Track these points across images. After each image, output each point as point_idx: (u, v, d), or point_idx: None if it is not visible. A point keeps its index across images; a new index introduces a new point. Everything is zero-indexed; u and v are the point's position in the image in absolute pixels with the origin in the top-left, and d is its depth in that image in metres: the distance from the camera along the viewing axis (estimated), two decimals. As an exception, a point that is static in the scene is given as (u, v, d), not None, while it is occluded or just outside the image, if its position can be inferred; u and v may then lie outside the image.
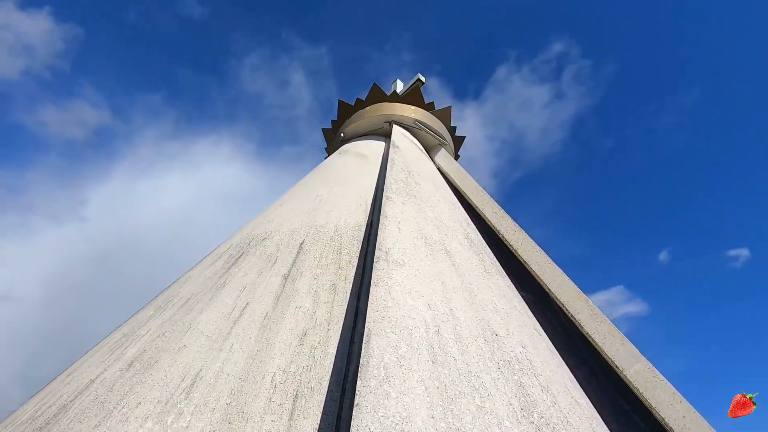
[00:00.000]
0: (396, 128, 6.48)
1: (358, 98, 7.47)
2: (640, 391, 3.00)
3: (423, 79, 8.44)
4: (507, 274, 4.14)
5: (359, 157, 5.97)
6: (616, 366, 3.19)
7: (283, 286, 3.04)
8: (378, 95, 7.37)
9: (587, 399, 2.68)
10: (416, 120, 6.80)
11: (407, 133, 6.57)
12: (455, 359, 1.94)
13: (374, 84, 7.39)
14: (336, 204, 4.37)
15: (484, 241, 4.16)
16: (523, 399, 1.91)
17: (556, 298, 3.83)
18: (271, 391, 2.22)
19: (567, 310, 3.67)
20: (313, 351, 2.51)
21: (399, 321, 2.06)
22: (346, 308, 2.90)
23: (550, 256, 4.20)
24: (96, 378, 2.42)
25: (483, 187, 5.56)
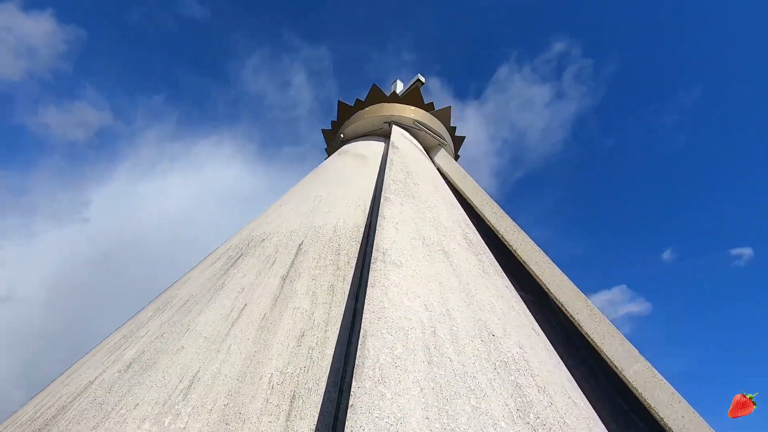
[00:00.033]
0: (395, 129, 6.48)
1: (357, 99, 7.48)
2: (639, 391, 3.00)
3: (423, 79, 8.44)
4: (507, 274, 4.14)
5: (358, 158, 5.98)
6: (615, 366, 3.19)
7: (282, 287, 3.05)
8: (377, 96, 7.37)
9: (585, 399, 2.67)
10: (416, 120, 6.81)
11: (406, 134, 6.58)
12: (451, 360, 1.94)
13: (373, 84, 7.41)
14: (335, 205, 4.38)
15: (483, 242, 4.15)
16: (519, 399, 1.91)
17: (555, 298, 3.82)
18: (269, 392, 2.22)
19: (566, 310, 3.67)
20: (310, 352, 2.51)
21: (395, 322, 2.07)
22: (344, 309, 2.90)
23: (550, 256, 4.20)
24: (95, 379, 2.44)
25: (484, 187, 5.57)
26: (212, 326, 2.68)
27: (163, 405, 2.10)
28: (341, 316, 2.84)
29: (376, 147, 6.44)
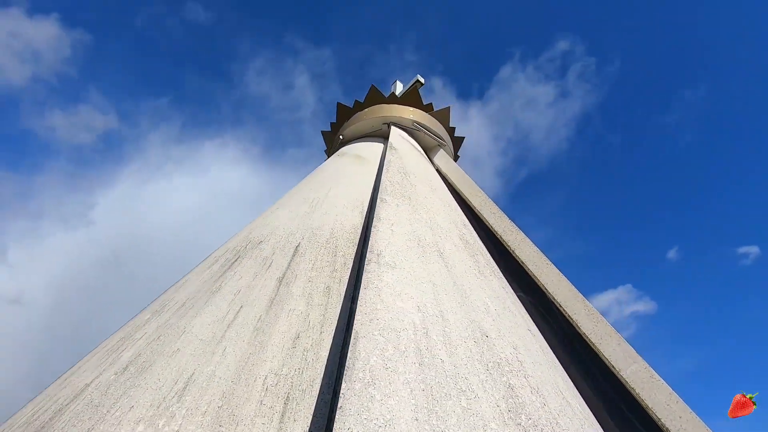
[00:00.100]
0: (394, 130, 6.49)
1: (356, 100, 7.50)
2: (637, 391, 2.98)
3: (422, 80, 8.44)
4: (506, 274, 4.14)
5: (357, 159, 5.99)
6: (613, 366, 3.18)
7: (278, 289, 3.06)
8: (376, 97, 7.39)
9: (581, 400, 2.67)
10: (414, 121, 6.81)
11: (405, 135, 6.58)
12: (443, 361, 1.95)
13: (372, 86, 7.42)
14: (333, 206, 4.39)
15: (480, 242, 4.15)
16: (511, 401, 1.91)
17: (553, 299, 3.81)
18: (263, 393, 2.23)
19: (564, 310, 3.66)
20: (305, 354, 2.52)
21: (387, 323, 2.07)
22: (339, 311, 2.91)
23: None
24: (91, 382, 2.46)
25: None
26: (208, 328, 2.70)
27: (158, 407, 2.12)
28: (337, 318, 2.84)
29: (375, 148, 6.46)
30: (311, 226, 3.96)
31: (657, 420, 2.86)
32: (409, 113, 6.95)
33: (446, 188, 5.48)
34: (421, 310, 2.27)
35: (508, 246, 4.48)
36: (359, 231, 3.98)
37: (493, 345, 2.27)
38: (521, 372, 2.18)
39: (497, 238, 4.85)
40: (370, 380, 1.69)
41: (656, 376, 3.00)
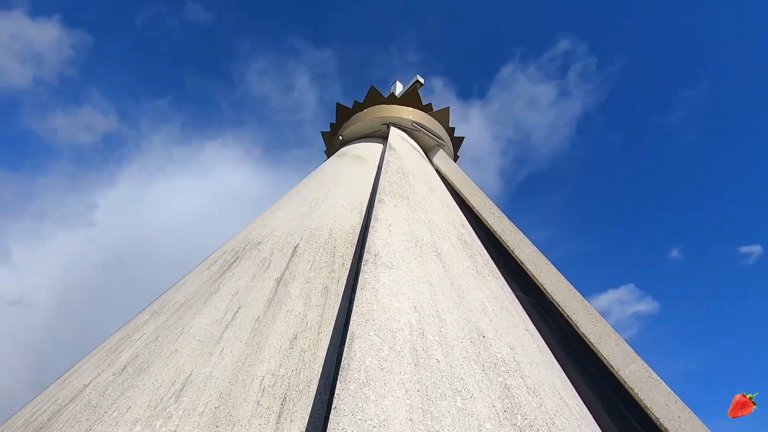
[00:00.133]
0: (393, 130, 6.49)
1: (355, 101, 7.51)
2: (635, 391, 2.97)
3: (422, 80, 8.44)
4: (505, 274, 4.13)
5: (356, 160, 6.00)
6: (612, 366, 3.17)
7: (276, 290, 3.06)
8: (375, 98, 7.39)
9: (579, 400, 2.66)
10: (414, 122, 6.81)
11: (405, 135, 6.58)
12: (438, 361, 1.95)
13: (371, 86, 7.43)
14: (332, 207, 4.40)
15: (479, 242, 4.15)
16: (507, 401, 1.91)
17: (552, 299, 3.81)
18: (260, 394, 2.24)
19: (562, 310, 3.65)
20: (302, 354, 2.52)
21: (383, 324, 2.07)
22: (337, 311, 2.91)
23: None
24: (90, 383, 2.46)
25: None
26: (206, 329, 2.70)
27: (155, 408, 2.12)
28: (334, 318, 2.85)
29: (374, 149, 6.46)
30: (310, 227, 3.96)
31: (655, 420, 2.85)
32: (409, 114, 6.95)
33: (445, 188, 5.48)
34: (417, 311, 2.27)
35: (507, 246, 4.48)
36: (358, 231, 3.98)
37: (490, 345, 2.26)
38: (518, 372, 2.18)
39: (496, 238, 4.85)
40: (365, 381, 1.70)
41: (655, 375, 3.00)
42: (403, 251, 2.85)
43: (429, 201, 4.09)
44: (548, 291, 3.85)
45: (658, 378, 2.99)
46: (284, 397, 2.24)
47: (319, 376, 2.39)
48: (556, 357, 3.21)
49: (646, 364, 3.08)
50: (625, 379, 3.05)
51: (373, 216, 3.27)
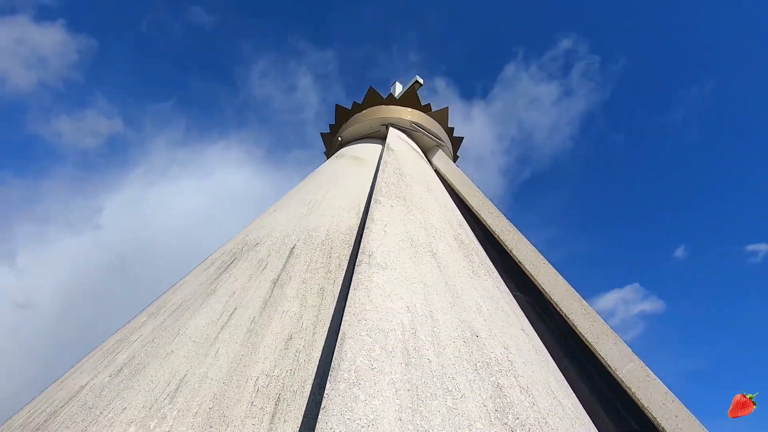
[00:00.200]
0: (392, 131, 6.50)
1: (354, 102, 7.53)
2: (633, 390, 2.96)
3: (421, 80, 8.44)
4: (504, 274, 4.13)
5: (355, 161, 6.01)
6: (609, 366, 3.16)
7: (272, 290, 3.08)
8: (374, 98, 7.40)
9: (575, 400, 2.65)
10: (412, 122, 6.82)
11: (403, 136, 6.59)
12: (430, 361, 1.95)
13: (370, 87, 7.44)
14: (330, 208, 4.41)
15: (476, 242, 4.15)
16: (498, 400, 1.91)
17: (550, 298, 3.80)
18: (254, 395, 2.24)
19: (560, 309, 3.64)
20: (297, 355, 2.53)
21: (375, 324, 2.08)
22: (332, 312, 2.92)
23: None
24: (86, 384, 2.48)
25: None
26: (202, 330, 2.72)
27: (150, 409, 2.14)
28: (330, 319, 2.85)
29: (373, 149, 6.46)
30: (307, 228, 3.97)
31: (653, 419, 2.84)
32: (407, 114, 6.95)
33: (444, 188, 5.48)
34: (410, 311, 2.27)
35: (506, 245, 4.47)
36: (355, 232, 3.99)
37: (483, 345, 2.26)
38: (511, 372, 2.17)
39: (495, 238, 4.84)
40: (355, 380, 1.70)
41: (652, 375, 2.98)
42: (397, 251, 2.85)
43: (426, 201, 4.10)
44: (546, 290, 3.84)
45: (656, 377, 2.98)
46: (278, 398, 2.24)
47: (313, 377, 2.40)
48: (554, 356, 3.20)
49: (643, 364, 3.06)
50: (623, 379, 3.04)
51: (368, 216, 3.28)
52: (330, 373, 1.72)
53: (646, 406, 2.87)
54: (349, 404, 1.58)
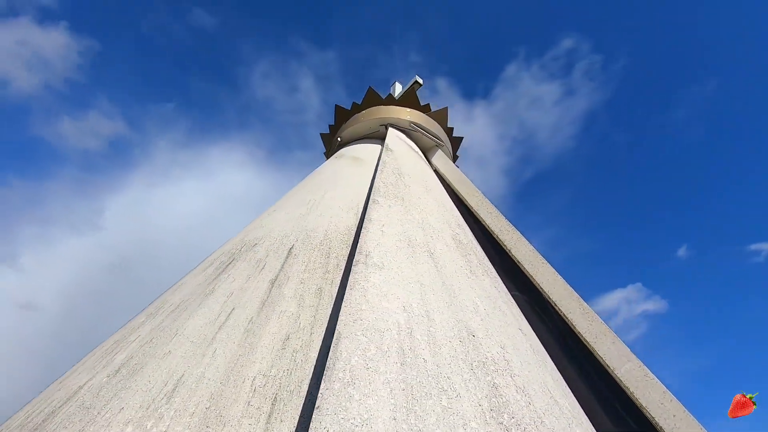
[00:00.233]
0: (391, 131, 6.50)
1: (353, 102, 7.53)
2: (631, 390, 2.96)
3: (420, 81, 8.45)
4: (503, 273, 4.12)
5: (354, 161, 6.01)
6: (607, 365, 3.15)
7: (270, 291, 3.08)
8: (373, 99, 7.41)
9: (572, 399, 2.65)
10: (412, 122, 6.82)
11: (402, 136, 6.59)
12: (425, 361, 1.95)
13: (369, 87, 7.45)
14: (328, 208, 4.41)
15: (475, 242, 4.15)
16: (494, 400, 1.91)
17: (549, 298, 3.80)
18: (251, 394, 2.25)
19: (558, 309, 3.64)
20: (294, 355, 2.54)
21: (371, 324, 2.08)
22: (330, 312, 2.92)
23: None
24: (84, 384, 2.49)
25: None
26: (200, 331, 2.73)
27: (147, 409, 2.14)
28: (327, 319, 2.86)
29: (372, 150, 6.47)
30: (306, 228, 3.98)
31: (651, 419, 2.83)
32: (406, 114, 6.96)
33: (443, 188, 5.48)
34: (406, 310, 2.27)
35: (504, 245, 4.47)
36: (354, 232, 3.99)
37: (480, 344, 2.26)
38: (507, 371, 2.17)
39: (494, 238, 4.84)
40: (349, 380, 1.70)
41: (650, 374, 2.98)
42: (394, 251, 2.85)
43: (424, 201, 4.10)
44: (544, 290, 3.84)
45: (654, 377, 2.97)
46: (275, 398, 2.25)
47: (310, 377, 2.40)
48: (553, 356, 3.20)
49: (641, 363, 3.06)
50: (621, 378, 3.03)
51: (366, 216, 3.29)
52: (324, 372, 1.73)
53: (644, 405, 2.87)
54: (344, 404, 1.59)
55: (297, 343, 2.62)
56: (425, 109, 7.40)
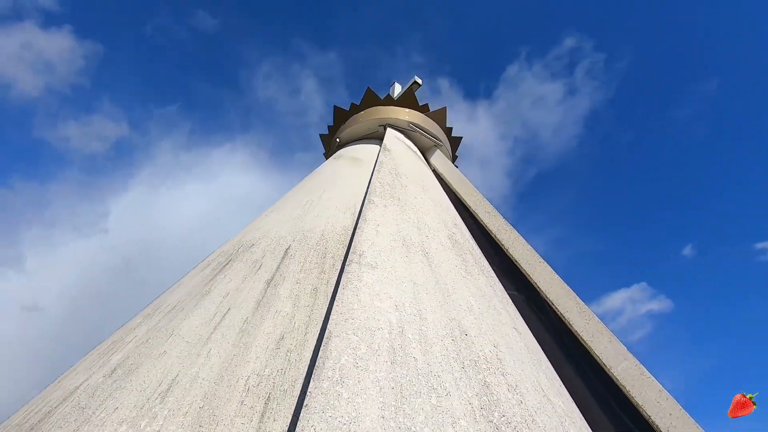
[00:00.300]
0: (389, 131, 6.51)
1: (352, 103, 7.55)
2: (627, 389, 2.95)
3: (419, 81, 8.46)
4: (501, 272, 4.12)
5: (353, 162, 6.02)
6: (604, 364, 3.14)
7: (265, 291, 3.10)
8: (372, 99, 7.43)
9: (567, 398, 2.65)
10: (410, 122, 6.83)
11: (401, 136, 6.60)
12: (416, 359, 1.95)
13: (368, 88, 7.46)
14: (325, 209, 4.42)
15: (472, 241, 4.15)
16: (485, 398, 1.91)
17: (546, 297, 3.79)
18: (244, 394, 2.26)
19: (556, 308, 3.63)
20: (288, 354, 2.55)
21: (362, 323, 2.09)
22: (325, 312, 2.93)
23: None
24: (80, 384, 2.52)
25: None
26: (195, 331, 2.74)
27: (141, 408, 2.16)
28: (322, 319, 2.87)
29: (371, 150, 6.48)
30: (303, 229, 3.99)
31: (647, 417, 2.82)
32: (405, 115, 6.97)
33: (441, 188, 5.49)
34: (398, 309, 2.28)
35: (502, 244, 4.47)
36: (350, 232, 4.00)
37: (472, 343, 2.26)
38: (499, 370, 2.17)
39: (492, 237, 4.84)
40: (338, 379, 1.71)
41: (647, 373, 2.97)
42: (389, 251, 2.86)
43: (421, 201, 4.10)
44: (541, 289, 3.83)
45: (650, 375, 2.96)
46: (268, 397, 2.26)
47: (304, 376, 2.41)
48: (550, 355, 3.19)
49: (638, 362, 3.05)
50: (617, 377, 3.02)
51: (361, 216, 3.29)
52: (314, 371, 1.74)
53: (640, 404, 2.86)
54: (332, 402, 1.59)
55: (291, 343, 2.63)
56: (424, 109, 7.41)
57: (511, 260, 4.47)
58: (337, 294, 2.27)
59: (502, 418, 1.84)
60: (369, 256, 2.68)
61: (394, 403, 1.68)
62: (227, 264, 3.62)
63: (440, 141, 7.04)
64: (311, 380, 1.68)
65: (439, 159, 6.54)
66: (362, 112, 7.20)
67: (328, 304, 3.02)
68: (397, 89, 8.85)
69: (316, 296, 3.06)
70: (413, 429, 1.59)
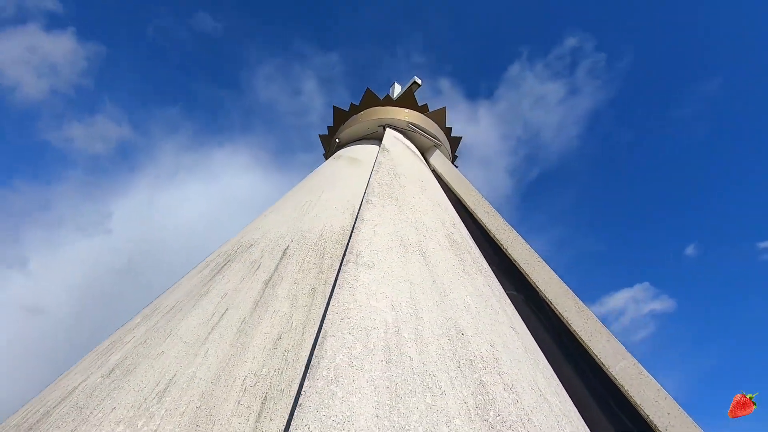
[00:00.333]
0: (388, 131, 6.52)
1: (351, 103, 7.56)
2: (626, 388, 2.94)
3: (419, 81, 8.46)
4: (501, 272, 4.12)
5: (352, 162, 6.03)
6: (602, 363, 3.14)
7: (263, 291, 3.10)
8: (372, 100, 7.43)
9: (564, 397, 2.64)
10: (409, 123, 6.83)
11: (400, 136, 6.61)
12: (411, 359, 1.96)
13: (367, 89, 7.47)
14: (324, 209, 4.43)
15: (471, 241, 4.15)
16: (480, 397, 1.91)
17: (544, 296, 3.79)
18: (241, 394, 2.27)
19: (554, 307, 3.63)
20: (286, 354, 2.55)
21: (358, 322, 2.09)
22: (323, 312, 2.93)
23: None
24: (79, 384, 2.53)
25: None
26: (193, 331, 2.75)
27: (138, 408, 2.17)
28: (320, 319, 2.87)
29: (370, 150, 6.49)
30: (301, 229, 4.00)
31: (645, 416, 2.81)
32: (404, 115, 6.97)
33: (440, 188, 5.49)
34: (394, 309, 2.28)
35: (501, 244, 4.47)
36: (348, 233, 4.01)
37: (468, 342, 2.27)
38: (496, 369, 2.17)
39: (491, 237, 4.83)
40: (333, 378, 1.72)
41: (645, 372, 2.96)
42: (386, 251, 2.86)
43: (419, 201, 4.10)
44: (540, 288, 3.83)
45: (648, 374, 2.96)
46: (265, 397, 2.26)
47: (301, 376, 2.41)
48: (549, 354, 3.19)
49: (636, 361, 3.04)
50: (615, 376, 3.02)
51: (359, 216, 3.30)
52: (309, 370, 1.74)
53: (638, 403, 2.85)
54: (326, 401, 1.60)
55: (289, 343, 2.63)
56: (423, 110, 7.41)
57: (510, 260, 4.47)
58: (334, 294, 2.28)
59: (498, 417, 1.84)
60: (366, 256, 2.69)
61: (388, 402, 1.68)
62: (226, 264, 3.63)
63: (439, 141, 7.04)
64: (306, 379, 1.68)
65: (439, 159, 6.54)
66: (361, 113, 7.21)
67: (325, 304, 3.02)
68: (397, 90, 8.86)
69: (314, 296, 3.07)
70: (407, 428, 1.60)
